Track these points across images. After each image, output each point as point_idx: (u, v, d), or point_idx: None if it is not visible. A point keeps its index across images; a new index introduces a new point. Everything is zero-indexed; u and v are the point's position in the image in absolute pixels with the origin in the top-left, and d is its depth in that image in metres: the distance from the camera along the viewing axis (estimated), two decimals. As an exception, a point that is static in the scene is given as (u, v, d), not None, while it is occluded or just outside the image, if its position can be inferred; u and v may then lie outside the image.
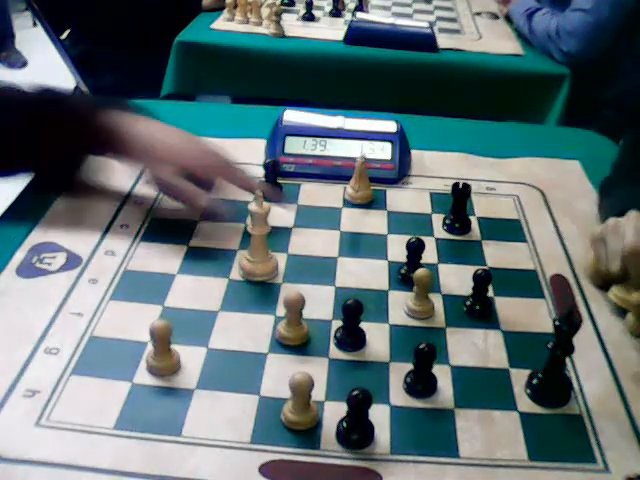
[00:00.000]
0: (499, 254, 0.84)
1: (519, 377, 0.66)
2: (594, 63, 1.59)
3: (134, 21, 1.81)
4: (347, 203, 0.92)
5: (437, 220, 0.89)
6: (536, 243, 0.86)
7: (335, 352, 0.68)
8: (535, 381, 0.64)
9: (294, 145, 0.98)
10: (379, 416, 0.61)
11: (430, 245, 0.83)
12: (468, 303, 0.74)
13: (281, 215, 0.87)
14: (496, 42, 1.72)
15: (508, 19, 1.87)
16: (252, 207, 0.75)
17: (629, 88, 1.60)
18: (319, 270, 0.79)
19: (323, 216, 0.89)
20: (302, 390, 0.58)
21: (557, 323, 0.62)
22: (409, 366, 0.64)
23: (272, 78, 1.66)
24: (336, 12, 1.83)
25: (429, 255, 0.81)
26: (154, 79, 1.69)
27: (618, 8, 1.54)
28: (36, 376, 0.63)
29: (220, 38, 1.68)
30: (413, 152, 1.03)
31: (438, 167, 1.02)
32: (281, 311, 0.71)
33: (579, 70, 1.59)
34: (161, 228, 0.85)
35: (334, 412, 0.60)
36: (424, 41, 1.64)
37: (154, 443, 0.57)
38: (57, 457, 0.56)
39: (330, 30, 1.73)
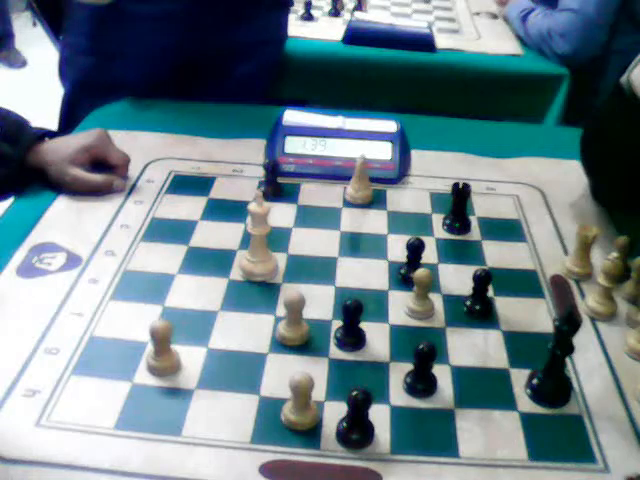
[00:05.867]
0: (499, 254, 0.84)
1: (519, 377, 0.66)
2: (592, 62, 1.59)
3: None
4: (347, 203, 0.92)
5: (437, 220, 0.89)
6: (536, 243, 0.86)
7: (335, 352, 0.68)
8: (535, 381, 0.64)
9: (294, 145, 0.98)
10: (379, 416, 0.61)
11: (430, 245, 0.83)
12: (468, 303, 0.74)
13: (281, 215, 0.87)
14: (495, 42, 1.72)
15: (507, 20, 1.87)
16: (252, 207, 0.75)
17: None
18: (319, 270, 0.79)
19: (323, 216, 0.89)
20: (302, 390, 0.58)
21: (557, 323, 0.62)
22: (409, 366, 0.64)
23: (271, 78, 1.66)
24: (335, 12, 1.83)
25: (429, 255, 0.81)
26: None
27: (603, 5, 1.53)
28: (36, 376, 0.63)
29: (220, 38, 1.67)
30: (413, 152, 1.03)
31: (438, 167, 1.01)
32: (281, 311, 0.71)
33: (578, 70, 1.58)
34: (161, 228, 0.84)
35: (334, 412, 0.60)
36: (423, 41, 1.63)
37: (154, 443, 0.57)
38: (57, 457, 0.56)
39: (329, 30, 1.72)
